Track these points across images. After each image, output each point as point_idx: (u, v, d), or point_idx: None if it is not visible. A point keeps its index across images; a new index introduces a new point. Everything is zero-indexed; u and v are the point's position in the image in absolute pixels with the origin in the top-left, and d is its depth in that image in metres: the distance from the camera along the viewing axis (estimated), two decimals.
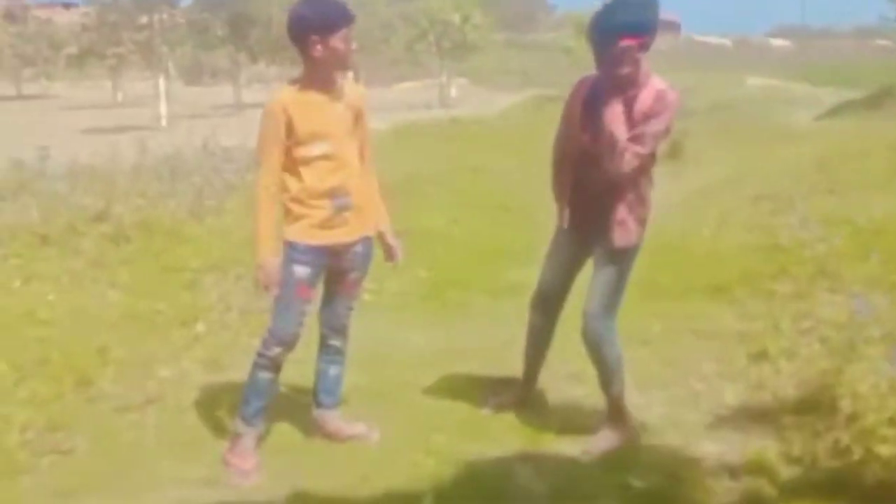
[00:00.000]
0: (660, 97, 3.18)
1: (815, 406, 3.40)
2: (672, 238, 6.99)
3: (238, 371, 4.23)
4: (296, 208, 3.21)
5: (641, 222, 3.35)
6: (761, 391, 3.80)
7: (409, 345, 4.67)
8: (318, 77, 3.15)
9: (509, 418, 3.72)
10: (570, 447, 3.46)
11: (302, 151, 3.16)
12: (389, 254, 3.54)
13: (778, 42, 60.60)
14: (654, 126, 3.18)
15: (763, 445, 3.31)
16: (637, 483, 3.09)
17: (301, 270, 3.21)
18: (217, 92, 24.83)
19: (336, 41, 3.06)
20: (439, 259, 6.43)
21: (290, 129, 3.12)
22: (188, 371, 4.24)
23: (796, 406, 3.50)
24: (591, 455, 3.36)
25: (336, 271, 3.36)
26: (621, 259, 3.36)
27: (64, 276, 5.83)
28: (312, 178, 3.17)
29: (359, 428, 3.55)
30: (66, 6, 33.00)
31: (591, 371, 3.57)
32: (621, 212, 3.28)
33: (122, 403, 3.82)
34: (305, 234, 3.20)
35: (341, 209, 3.21)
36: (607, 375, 3.47)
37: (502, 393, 3.90)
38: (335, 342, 3.49)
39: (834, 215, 6.87)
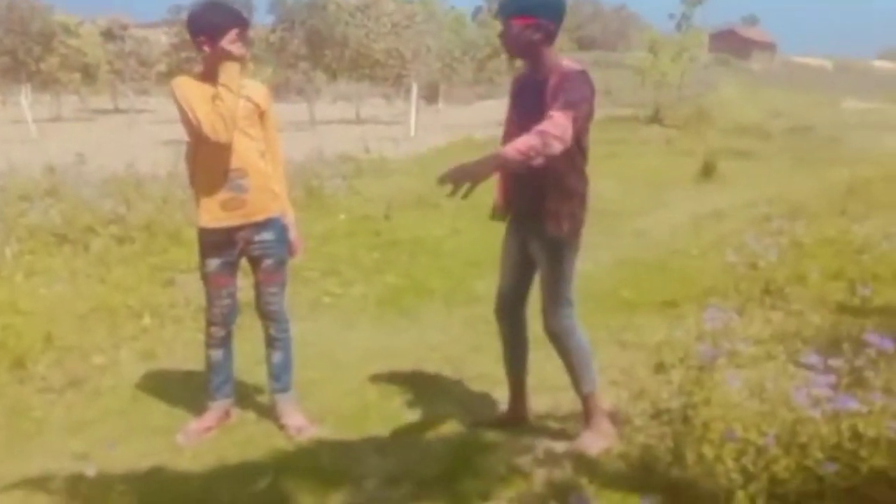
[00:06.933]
0: (565, 76, 3.13)
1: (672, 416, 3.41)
2: (657, 256, 7.01)
3: (169, 362, 4.57)
4: (199, 190, 3.43)
5: (572, 217, 3.30)
6: (641, 399, 3.81)
7: (329, 345, 4.83)
8: (212, 73, 3.31)
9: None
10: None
11: None
12: (289, 249, 3.68)
13: (881, 64, 58.09)
14: (566, 96, 3.03)
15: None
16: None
17: (205, 253, 3.50)
18: (301, 109, 25.71)
19: (225, 42, 3.25)
20: (418, 267, 6.61)
21: None
22: (121, 360, 4.56)
23: (658, 414, 3.51)
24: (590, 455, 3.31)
25: (250, 258, 3.56)
26: (556, 250, 3.33)
27: (64, 272, 6.31)
28: (211, 161, 3.36)
29: (297, 420, 3.67)
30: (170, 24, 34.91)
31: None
32: (551, 203, 3.26)
33: (46, 385, 4.16)
34: (204, 217, 3.43)
35: (238, 191, 3.38)
36: (574, 370, 3.42)
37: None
38: (268, 329, 3.66)
39: (824, 235, 6.77)
